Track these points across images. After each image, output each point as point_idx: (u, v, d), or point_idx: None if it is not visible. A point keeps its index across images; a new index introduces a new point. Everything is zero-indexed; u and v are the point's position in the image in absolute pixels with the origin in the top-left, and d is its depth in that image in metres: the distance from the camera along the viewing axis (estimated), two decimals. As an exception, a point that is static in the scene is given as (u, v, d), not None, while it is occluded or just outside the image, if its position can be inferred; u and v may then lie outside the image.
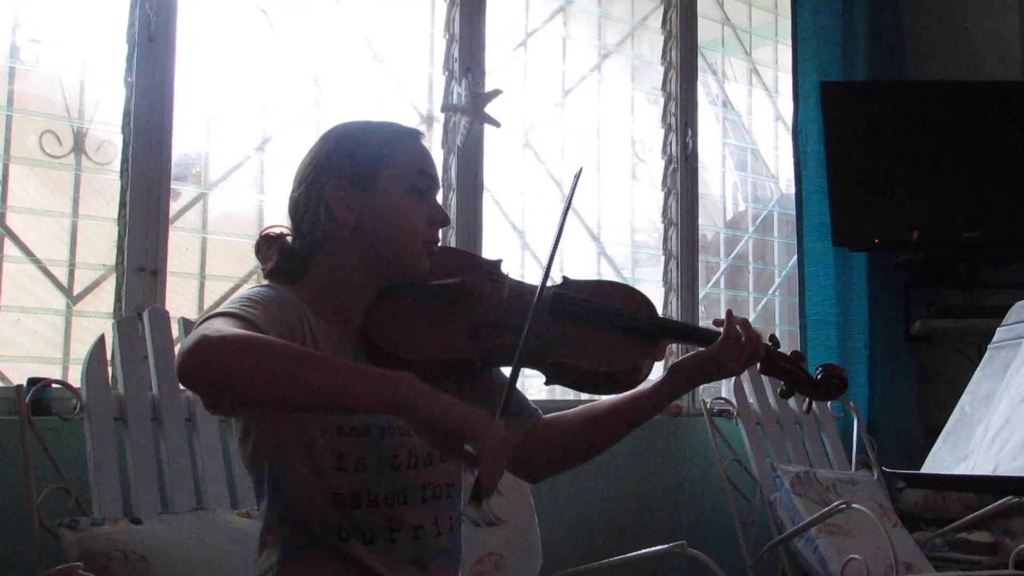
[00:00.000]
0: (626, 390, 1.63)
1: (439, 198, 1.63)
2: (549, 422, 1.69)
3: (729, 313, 1.63)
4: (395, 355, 1.49)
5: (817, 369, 1.69)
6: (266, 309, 1.38)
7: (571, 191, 1.60)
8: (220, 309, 1.34)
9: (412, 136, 1.59)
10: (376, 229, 1.51)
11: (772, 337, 1.68)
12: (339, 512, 1.43)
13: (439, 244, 1.59)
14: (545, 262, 1.54)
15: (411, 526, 1.47)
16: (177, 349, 1.22)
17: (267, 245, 1.58)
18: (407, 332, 1.52)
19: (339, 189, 1.51)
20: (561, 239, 1.56)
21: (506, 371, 1.53)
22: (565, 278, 1.69)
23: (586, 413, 1.68)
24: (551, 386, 1.76)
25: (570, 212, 1.62)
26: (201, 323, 1.30)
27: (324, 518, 1.43)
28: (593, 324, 1.60)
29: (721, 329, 1.63)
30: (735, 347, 1.60)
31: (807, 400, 1.71)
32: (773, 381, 3.38)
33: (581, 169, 1.63)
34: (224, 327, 1.25)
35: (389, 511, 1.45)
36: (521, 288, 1.61)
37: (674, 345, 3.40)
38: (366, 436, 1.44)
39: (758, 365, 1.67)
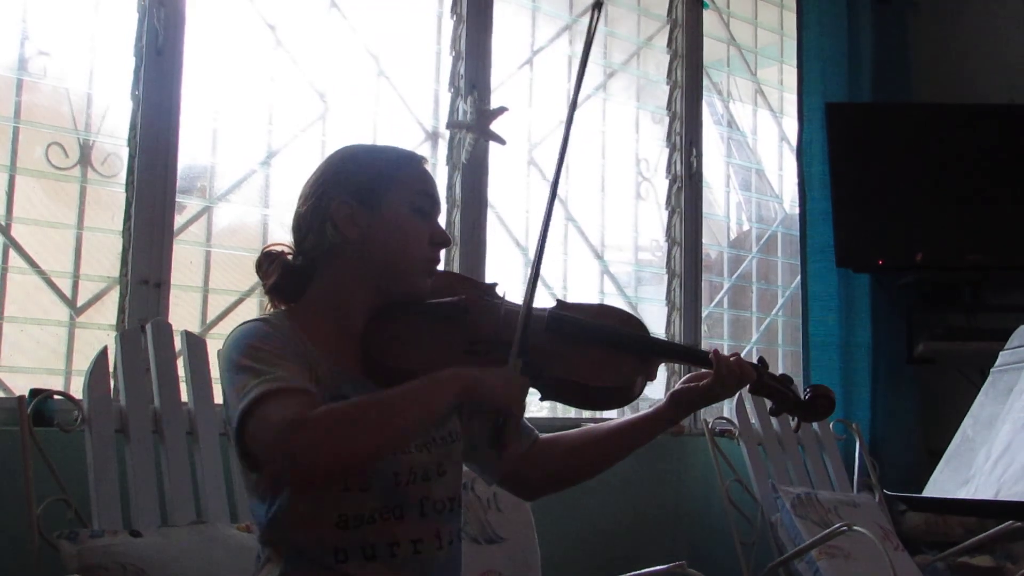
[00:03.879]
0: (619, 406, 1.69)
1: (442, 216, 1.65)
2: (548, 442, 1.72)
3: (716, 353, 1.67)
4: (394, 367, 1.51)
5: (806, 390, 1.72)
6: (281, 356, 1.39)
7: (591, 28, 1.70)
8: (254, 391, 1.32)
9: (416, 160, 1.63)
10: (380, 245, 1.54)
11: (761, 359, 1.72)
12: (340, 534, 1.43)
13: (439, 263, 1.62)
14: (547, 243, 1.59)
15: (409, 540, 1.47)
16: (271, 455, 1.30)
17: (268, 262, 1.61)
18: (406, 346, 1.54)
19: (345, 205, 1.53)
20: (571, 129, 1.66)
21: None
22: (560, 301, 1.73)
23: (585, 435, 1.71)
24: (554, 407, 1.79)
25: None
26: (247, 411, 1.32)
27: (322, 543, 1.43)
28: (588, 342, 1.63)
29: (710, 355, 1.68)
30: (727, 382, 1.65)
31: (796, 420, 1.74)
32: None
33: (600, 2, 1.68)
34: (290, 412, 1.30)
35: (384, 525, 1.45)
36: (517, 308, 1.64)
37: (675, 366, 3.42)
38: None
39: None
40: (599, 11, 1.66)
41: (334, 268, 1.55)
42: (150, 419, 2.17)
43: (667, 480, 3.33)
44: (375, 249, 1.54)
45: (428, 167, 1.63)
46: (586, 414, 3.23)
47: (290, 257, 1.60)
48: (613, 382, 1.61)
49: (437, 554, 1.50)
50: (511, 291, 1.69)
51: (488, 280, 2.03)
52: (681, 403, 1.69)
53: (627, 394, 1.63)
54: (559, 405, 3.31)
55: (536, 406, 3.27)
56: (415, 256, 1.56)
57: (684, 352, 1.73)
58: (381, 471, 1.45)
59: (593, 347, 1.63)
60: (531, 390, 1.62)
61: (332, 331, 1.53)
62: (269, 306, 1.62)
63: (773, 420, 3.35)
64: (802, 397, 1.71)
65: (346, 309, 1.55)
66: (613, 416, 2.59)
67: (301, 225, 1.57)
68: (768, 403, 1.74)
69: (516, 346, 1.48)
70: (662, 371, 3.47)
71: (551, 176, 3.32)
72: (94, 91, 2.48)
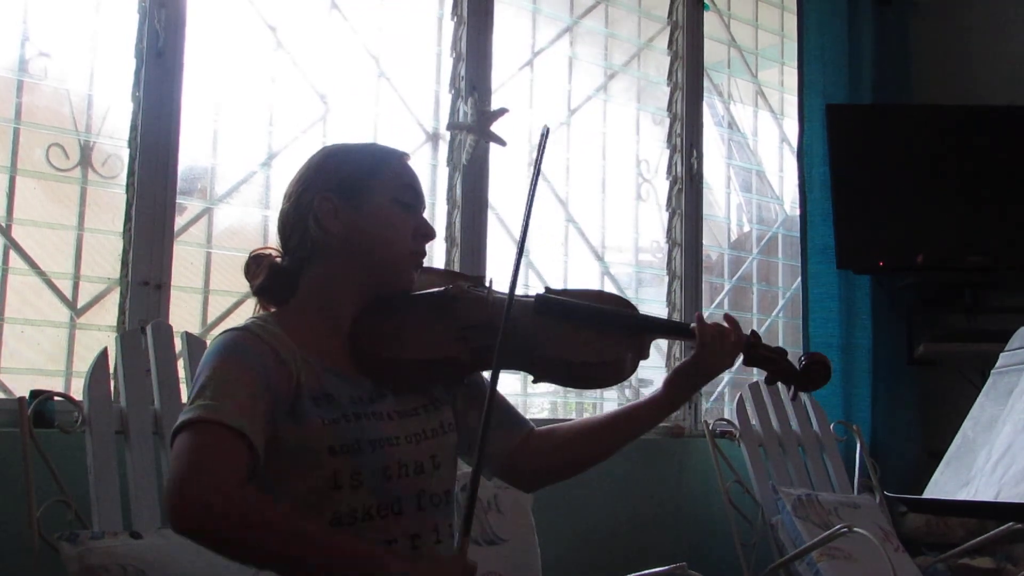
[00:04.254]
0: (612, 384, 1.71)
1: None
2: (546, 432, 1.72)
3: (698, 317, 1.69)
4: (384, 357, 1.52)
5: (801, 358, 1.73)
6: (242, 383, 1.37)
7: (540, 151, 1.63)
8: (191, 413, 1.33)
9: (398, 155, 1.63)
10: (364, 239, 1.54)
11: (753, 332, 1.73)
12: (335, 532, 1.42)
13: (424, 257, 1.62)
14: (528, 249, 1.59)
15: (407, 536, 1.47)
16: (169, 484, 1.29)
17: (256, 264, 1.61)
18: (396, 335, 1.55)
19: (327, 201, 1.54)
20: (533, 206, 1.58)
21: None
22: (547, 288, 1.74)
23: (582, 425, 1.72)
24: (554, 407, 1.79)
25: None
26: (178, 429, 1.32)
27: None
28: (576, 322, 1.65)
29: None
30: (715, 348, 1.66)
31: (792, 389, 1.74)
32: (775, 401, 3.38)
33: (547, 129, 1.67)
34: (206, 459, 1.28)
35: (383, 522, 1.45)
36: (505, 297, 1.64)
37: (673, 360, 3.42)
38: (358, 454, 1.44)
39: (741, 357, 1.72)
40: (546, 138, 1.64)
41: (320, 266, 1.55)
42: (150, 420, 2.17)
43: (667, 481, 3.33)
44: (359, 243, 1.54)
45: (410, 162, 1.64)
46: (586, 414, 3.23)
47: (278, 259, 1.60)
48: (603, 357, 1.62)
49: (436, 548, 1.51)
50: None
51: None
52: (675, 383, 1.69)
53: (618, 370, 1.64)
54: (559, 405, 3.33)
55: (536, 406, 3.27)
56: (400, 249, 1.56)
57: (672, 327, 1.73)
58: (369, 467, 1.44)
59: (582, 326, 1.64)
60: (525, 374, 1.62)
61: (322, 330, 1.53)
62: (259, 308, 1.62)
63: (773, 421, 3.35)
64: (797, 366, 1.71)
65: (334, 306, 1.55)
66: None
67: (286, 224, 1.58)
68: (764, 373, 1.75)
69: (464, 518, 1.40)
70: (660, 368, 3.47)
71: (550, 179, 3.34)
72: (95, 92, 2.48)
